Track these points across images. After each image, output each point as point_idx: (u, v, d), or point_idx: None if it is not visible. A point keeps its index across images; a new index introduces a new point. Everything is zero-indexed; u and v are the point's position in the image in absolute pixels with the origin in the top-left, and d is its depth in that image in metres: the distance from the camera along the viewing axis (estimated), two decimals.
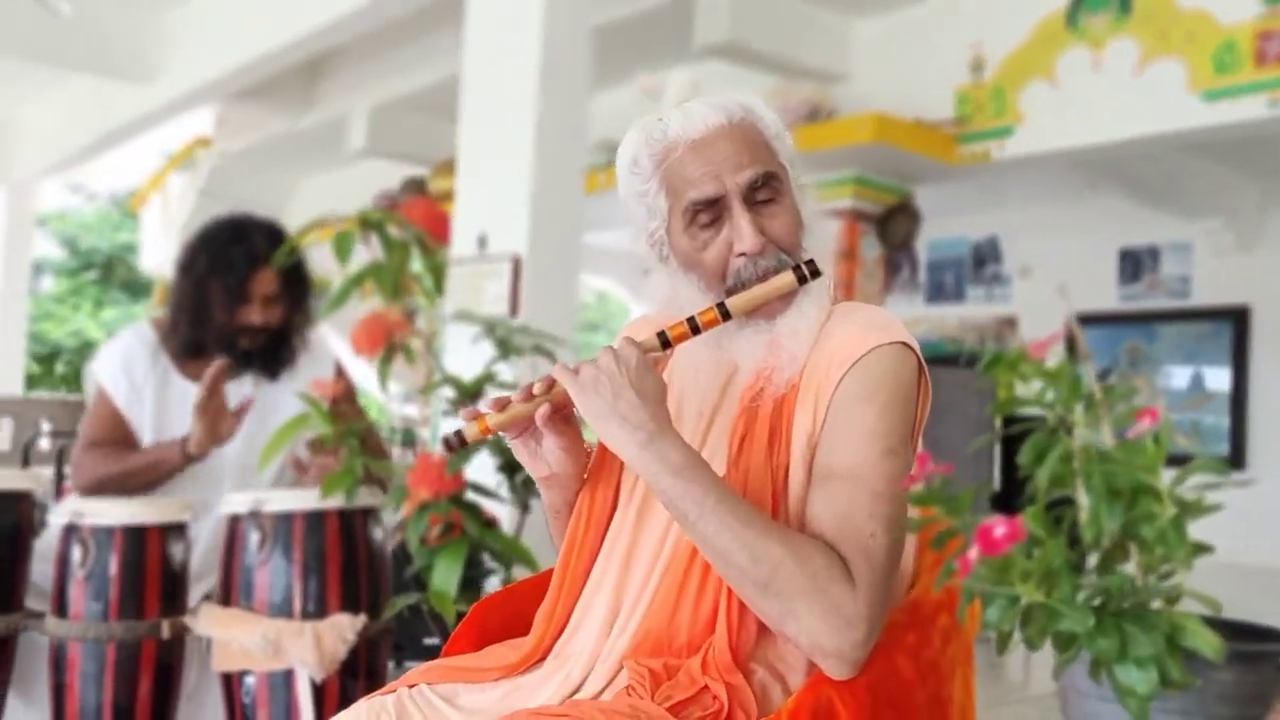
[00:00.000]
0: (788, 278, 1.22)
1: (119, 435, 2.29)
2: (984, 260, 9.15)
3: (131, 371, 2.30)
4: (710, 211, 1.24)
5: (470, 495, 2.09)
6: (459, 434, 1.26)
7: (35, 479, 2.13)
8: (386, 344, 1.93)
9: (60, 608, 2.03)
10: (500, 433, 1.29)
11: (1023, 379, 0.92)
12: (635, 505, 1.29)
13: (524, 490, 2.19)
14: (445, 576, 1.98)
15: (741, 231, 1.23)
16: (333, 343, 2.49)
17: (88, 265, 15.50)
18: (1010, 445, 4.89)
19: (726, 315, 1.22)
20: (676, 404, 1.34)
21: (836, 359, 1.22)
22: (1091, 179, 7.03)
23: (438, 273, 1.94)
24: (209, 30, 6.77)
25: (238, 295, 2.25)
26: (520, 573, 2.14)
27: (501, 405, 1.27)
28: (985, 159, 5.89)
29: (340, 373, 2.40)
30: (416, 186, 7.36)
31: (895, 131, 5.68)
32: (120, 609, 2.01)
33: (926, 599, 1.26)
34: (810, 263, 1.23)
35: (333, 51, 7.09)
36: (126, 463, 2.22)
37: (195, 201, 9.19)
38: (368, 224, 1.88)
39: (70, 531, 2.03)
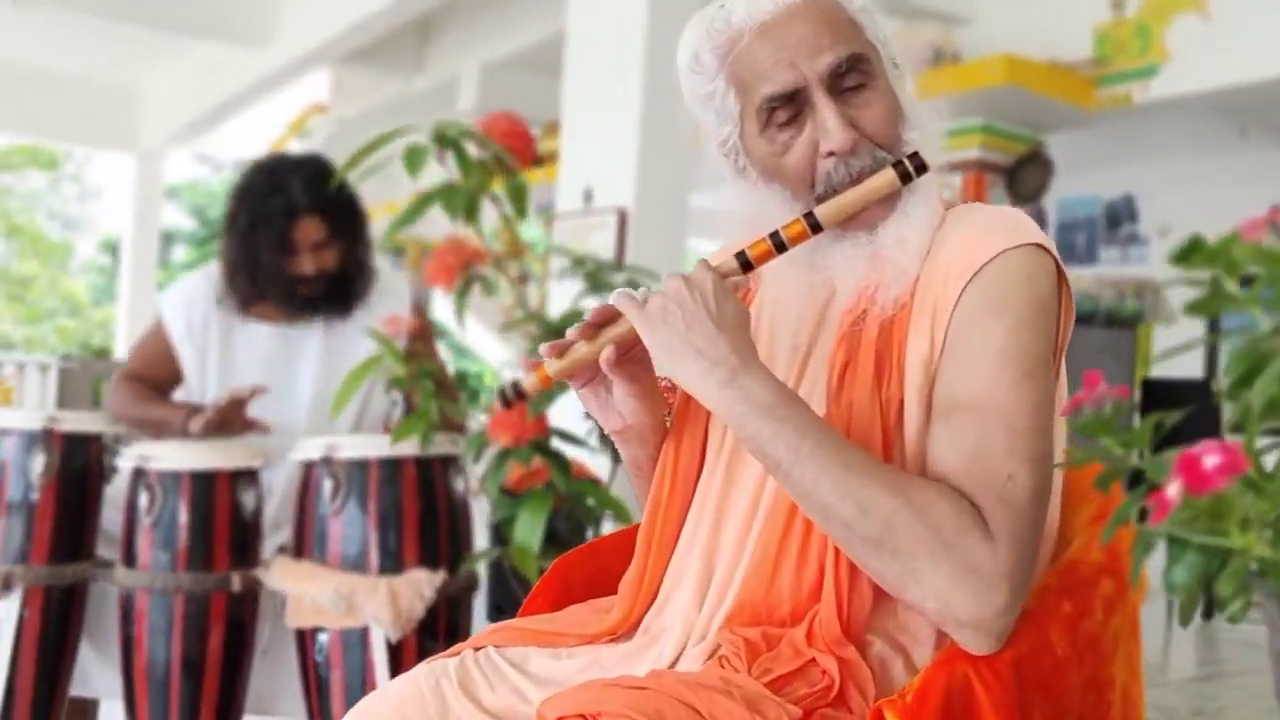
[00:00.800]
0: (887, 176, 1.03)
1: (161, 372, 2.22)
2: (1118, 220, 8.60)
3: (193, 311, 2.20)
4: (789, 107, 1.05)
5: (556, 443, 1.92)
6: (516, 385, 1.10)
7: (106, 420, 2.03)
8: (463, 275, 1.76)
9: (129, 557, 1.93)
10: (565, 381, 1.12)
11: (1228, 273, 0.67)
12: (725, 457, 1.12)
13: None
14: (528, 530, 1.81)
15: (827, 127, 1.03)
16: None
17: (216, 234, 15.90)
18: (1151, 410, 4.51)
19: (816, 227, 1.03)
20: (765, 337, 1.15)
21: (955, 268, 1.02)
22: (1243, 125, 6.50)
23: (519, 195, 1.76)
24: None
25: (284, 247, 2.11)
26: (612, 527, 1.96)
27: (560, 350, 1.09)
28: (1126, 102, 5.45)
29: (418, 310, 2.25)
30: None
31: (1028, 73, 5.29)
32: (189, 559, 1.90)
33: (1085, 559, 1.03)
34: (914, 156, 1.02)
35: (443, 10, 7.02)
36: (143, 409, 2.15)
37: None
38: (443, 140, 1.70)
39: (138, 476, 1.92)
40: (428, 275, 1.81)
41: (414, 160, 1.64)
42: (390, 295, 2.27)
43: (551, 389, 1.17)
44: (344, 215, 2.15)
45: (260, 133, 11.73)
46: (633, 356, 1.10)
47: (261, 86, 7.85)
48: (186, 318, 2.19)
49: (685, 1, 3.89)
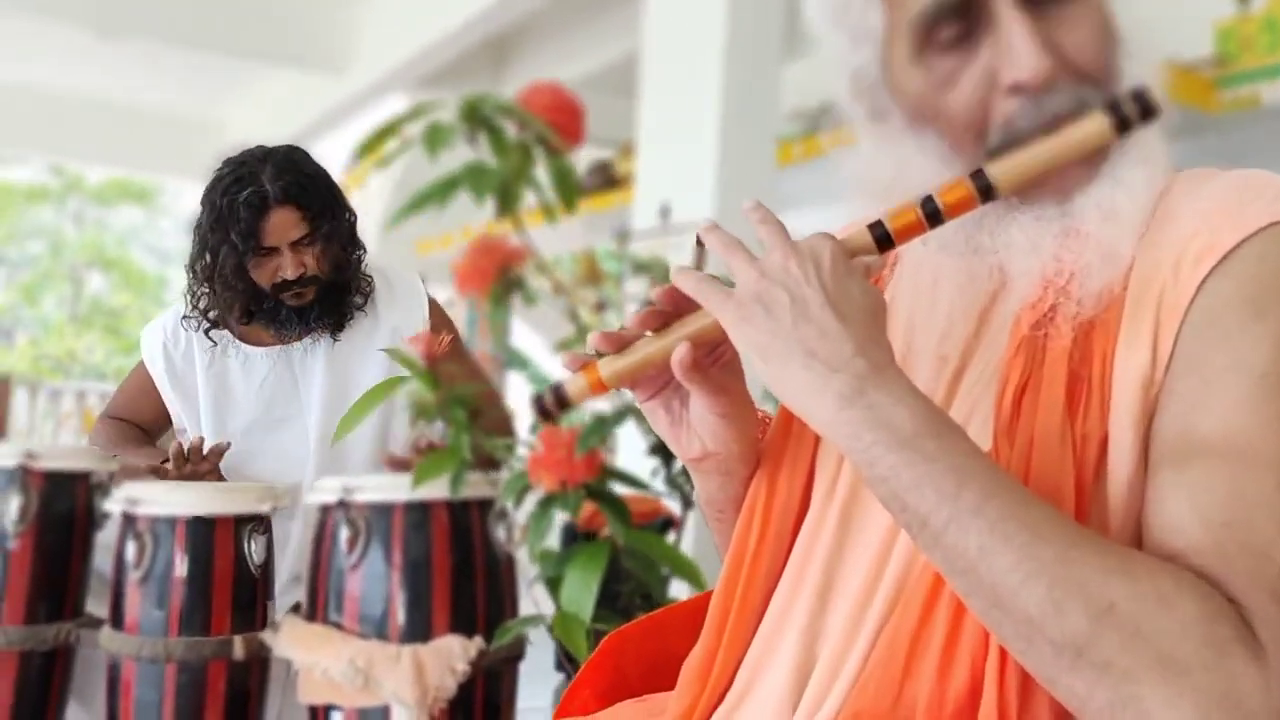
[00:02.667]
0: (1096, 125, 0.71)
1: (145, 415, 1.93)
2: None
3: (174, 344, 1.90)
4: (957, 20, 0.74)
5: (615, 486, 1.59)
6: (558, 390, 0.80)
7: (95, 456, 1.76)
8: (499, 278, 1.45)
9: (116, 617, 1.64)
10: (624, 389, 0.83)
11: None
12: (839, 501, 0.81)
13: (686, 479, 1.67)
14: (577, 593, 1.47)
15: (1014, 49, 0.72)
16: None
17: None
18: None
19: (988, 192, 0.72)
20: (900, 344, 0.83)
21: (1192, 250, 0.71)
22: None
23: (566, 180, 1.44)
24: (396, 14, 6.69)
25: (255, 249, 1.76)
26: (682, 591, 1.63)
27: (618, 343, 0.79)
28: (1253, 105, 4.99)
29: (438, 319, 1.94)
30: (602, 171, 7.12)
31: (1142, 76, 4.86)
32: (183, 621, 1.61)
33: None
34: (1139, 95, 0.69)
35: (517, 33, 6.91)
36: (120, 453, 1.85)
37: (391, 195, 9.17)
38: (473, 117, 1.39)
39: (127, 523, 1.64)
40: (457, 280, 1.50)
41: (435, 140, 1.33)
42: (403, 300, 1.96)
43: (599, 397, 0.85)
44: (325, 206, 1.80)
45: (339, 161, 11.75)
46: (719, 358, 0.82)
47: (340, 114, 7.78)
48: (166, 353, 1.89)
49: (763, 14, 3.73)
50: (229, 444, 1.79)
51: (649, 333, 0.79)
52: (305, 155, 1.86)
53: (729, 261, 0.74)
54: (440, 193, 1.34)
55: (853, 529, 0.80)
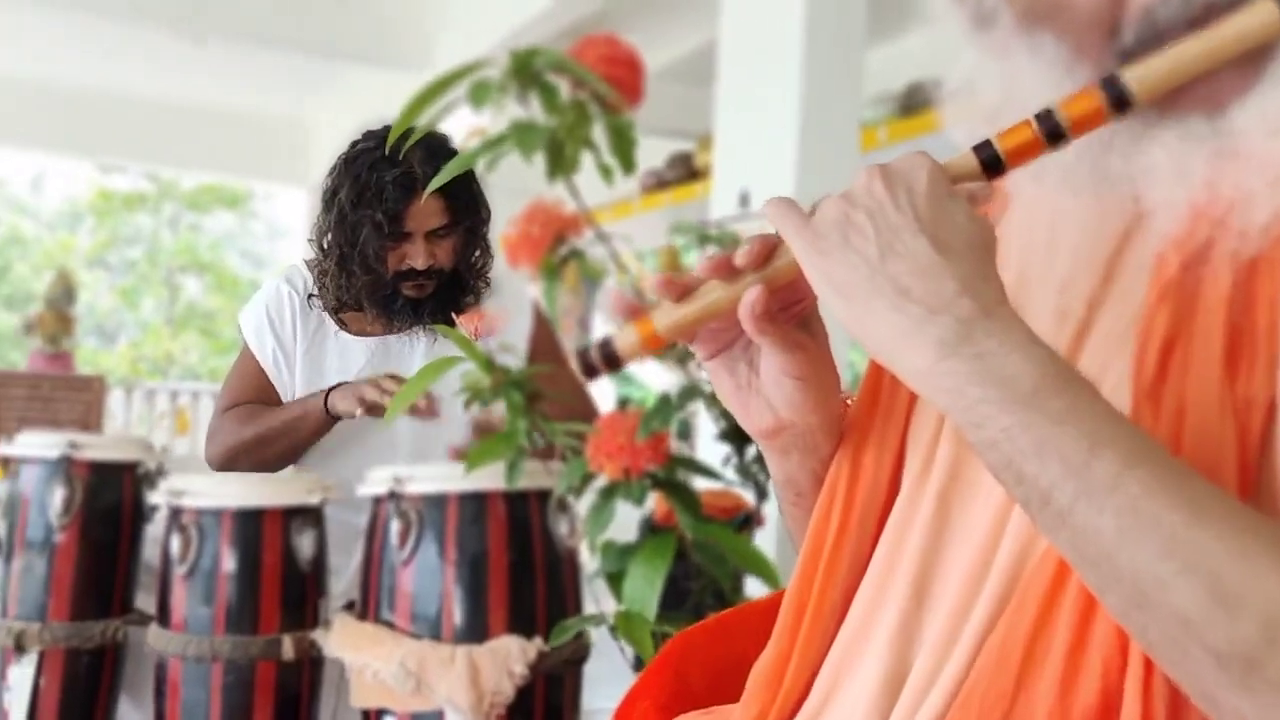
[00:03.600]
0: (1262, 13, 0.57)
1: (262, 394, 1.81)
2: None
3: (279, 324, 1.81)
4: None
5: (682, 474, 1.46)
6: (606, 346, 0.67)
7: (143, 447, 1.69)
8: (552, 248, 1.33)
9: (163, 614, 1.57)
10: (683, 344, 0.73)
11: None
12: (935, 484, 0.68)
13: (761, 468, 1.53)
14: (641, 590, 1.35)
15: None
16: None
17: None
18: None
19: (1121, 102, 0.58)
20: (1011, 290, 0.68)
21: None
22: None
23: (624, 140, 1.31)
24: (475, 8, 6.67)
25: (394, 232, 1.67)
26: (756, 589, 1.50)
27: (680, 291, 0.66)
28: None
29: (540, 321, 1.83)
30: (683, 162, 7.02)
31: None
32: (230, 619, 1.53)
33: None
34: None
35: (595, 25, 6.82)
36: (261, 423, 1.71)
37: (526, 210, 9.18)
38: (523, 73, 1.27)
39: (173, 517, 1.56)
40: (506, 251, 1.38)
41: (480, 95, 1.22)
42: (505, 302, 1.86)
43: (656, 354, 0.72)
44: (469, 202, 1.72)
45: None
46: (795, 308, 0.69)
47: (437, 121, 7.78)
48: (274, 329, 1.81)
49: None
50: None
51: (714, 280, 0.66)
52: (450, 142, 1.76)
53: (818, 203, 0.61)
54: (485, 151, 1.23)
55: (952, 515, 0.66)
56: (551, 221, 1.35)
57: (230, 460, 1.74)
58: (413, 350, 1.80)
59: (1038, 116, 0.59)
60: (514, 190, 1.82)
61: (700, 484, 1.77)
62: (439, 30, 7.21)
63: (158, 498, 1.58)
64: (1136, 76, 0.58)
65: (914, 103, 4.14)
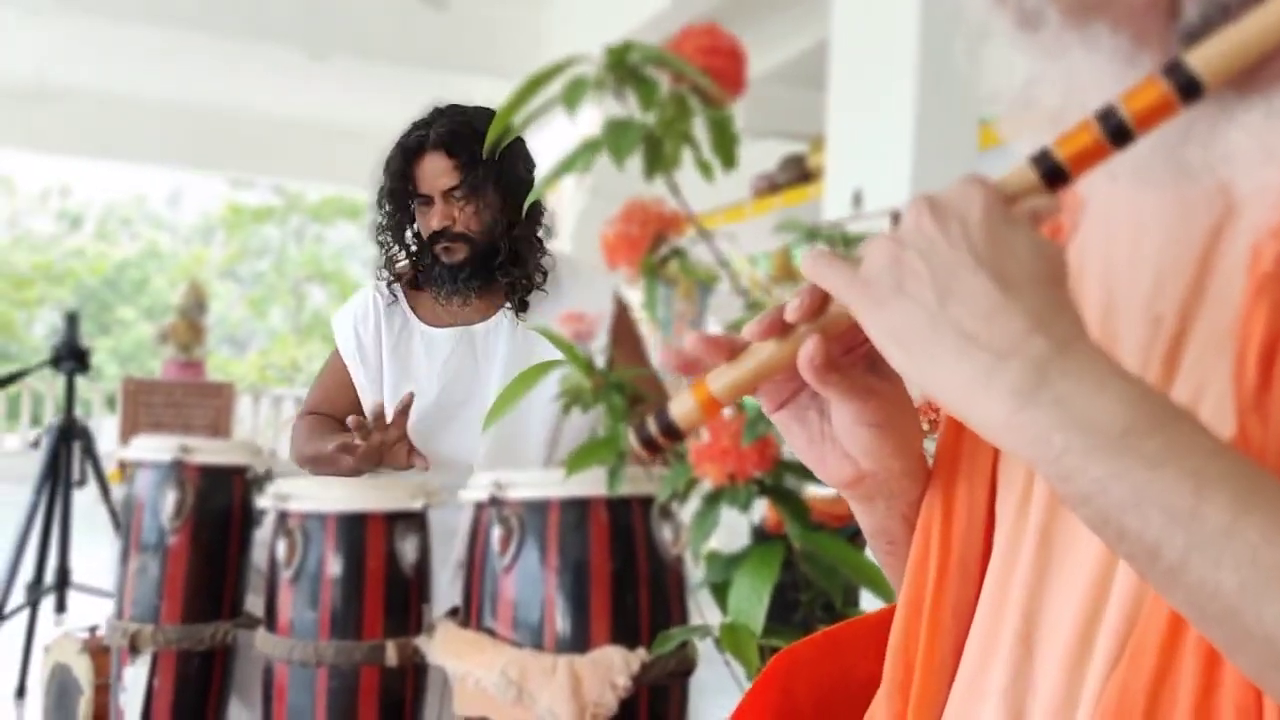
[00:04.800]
0: None
1: (338, 404, 1.83)
2: None
3: (364, 324, 1.83)
4: None
5: (791, 480, 1.40)
6: (663, 416, 0.62)
7: (252, 451, 1.70)
8: (652, 249, 1.28)
9: (270, 618, 1.58)
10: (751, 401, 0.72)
11: None
12: (1035, 520, 0.62)
13: None
14: (747, 600, 1.30)
15: None
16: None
17: None
18: None
19: (1191, 89, 0.52)
20: (1095, 306, 0.63)
21: None
22: None
23: (725, 133, 1.26)
24: (583, 16, 6.69)
25: (409, 192, 1.73)
26: (871, 602, 1.42)
27: (731, 350, 0.61)
28: None
29: (621, 307, 1.80)
30: (795, 165, 6.91)
31: None
32: (334, 624, 1.52)
33: None
34: None
35: None
36: (314, 444, 1.72)
37: (586, 201, 9.21)
38: (619, 68, 1.23)
39: (279, 520, 1.57)
40: (605, 251, 1.34)
41: (574, 95, 1.19)
42: (587, 284, 1.84)
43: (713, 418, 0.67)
44: (489, 165, 1.70)
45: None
46: (859, 350, 0.63)
47: (528, 121, 7.84)
48: (357, 333, 1.83)
49: None
50: (411, 396, 1.69)
51: (760, 334, 0.61)
52: (482, 111, 1.79)
53: (865, 250, 0.56)
54: (581, 157, 1.19)
55: (1056, 554, 0.59)
56: (651, 221, 1.31)
57: (300, 465, 1.77)
58: (497, 336, 1.79)
59: (1099, 115, 0.53)
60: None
61: (813, 490, 1.70)
62: (547, 39, 7.27)
63: (265, 502, 1.59)
64: (1203, 58, 0.51)
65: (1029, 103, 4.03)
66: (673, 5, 5.79)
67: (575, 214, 9.29)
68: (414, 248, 1.79)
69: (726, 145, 1.28)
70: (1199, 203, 0.57)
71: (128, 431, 6.22)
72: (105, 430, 8.81)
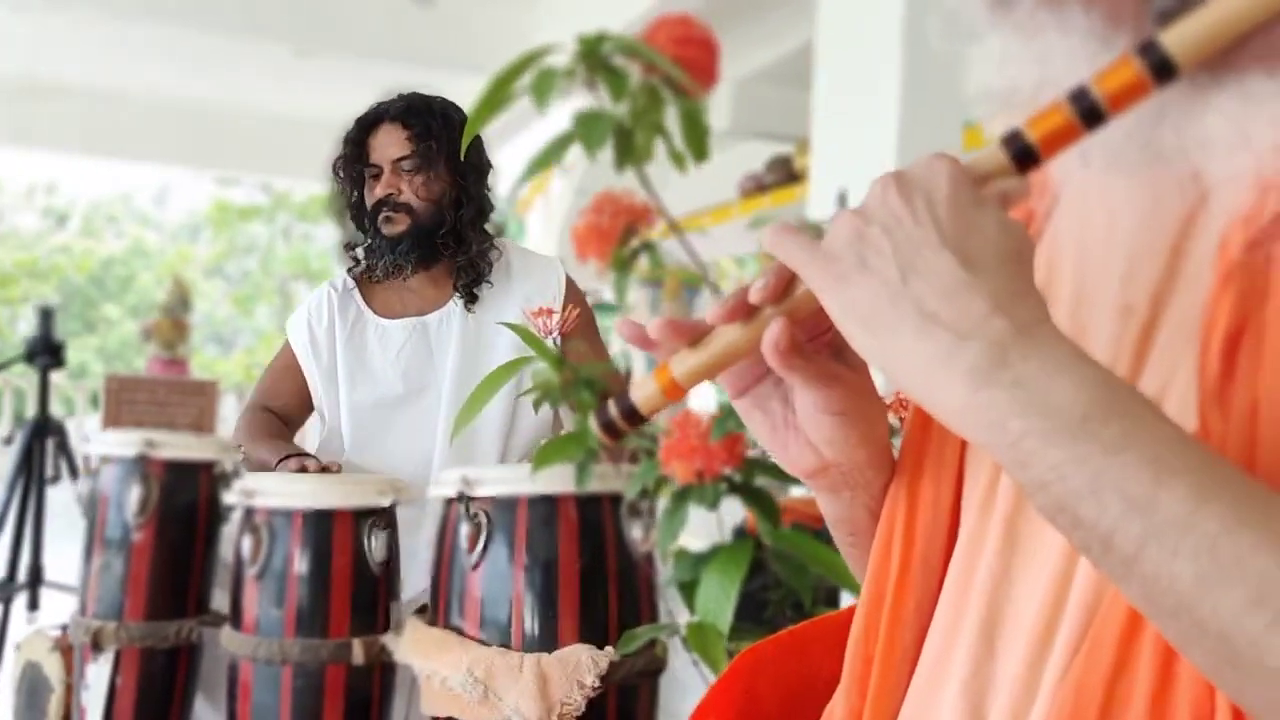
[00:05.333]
0: None
1: (290, 401, 1.82)
2: None
3: (317, 317, 1.82)
4: None
5: (761, 479, 1.39)
6: (624, 401, 0.61)
7: (220, 446, 1.68)
8: (623, 239, 1.27)
9: (235, 615, 1.56)
10: (712, 386, 0.68)
11: None
12: (1000, 514, 0.61)
13: None
14: (715, 600, 1.28)
15: None
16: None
17: None
18: None
19: (1165, 70, 0.51)
20: (1065, 294, 0.63)
21: None
22: None
23: (696, 125, 1.25)
24: (569, 16, 6.68)
25: (359, 161, 1.76)
26: (845, 599, 1.41)
27: (694, 336, 0.60)
28: None
29: (573, 296, 1.79)
30: (782, 165, 6.92)
31: None
32: (300, 622, 1.50)
33: None
34: None
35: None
36: (255, 446, 1.72)
37: (572, 201, 9.19)
38: (591, 59, 1.22)
39: (246, 517, 1.55)
40: (575, 243, 1.33)
41: (543, 87, 1.17)
42: (537, 273, 1.83)
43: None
44: (435, 132, 1.74)
45: (515, 170, 11.95)
46: (826, 336, 0.62)
47: (517, 122, 7.81)
48: (310, 326, 1.83)
49: None
50: (339, 468, 1.69)
51: (735, 322, 0.60)
52: (444, 100, 1.83)
53: (786, 248, 0.55)
54: (554, 151, 1.18)
55: (1021, 546, 0.58)
56: (621, 212, 1.29)
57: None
58: (449, 326, 1.79)
59: (1070, 96, 0.51)
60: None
61: (793, 491, 1.68)
62: (532, 37, 7.27)
63: (232, 497, 1.57)
64: (1177, 38, 0.49)
65: (1022, 99, 4.04)
66: (658, 4, 5.79)
67: (562, 213, 9.28)
68: (350, 210, 1.82)
69: (699, 137, 1.26)
70: (1172, 189, 0.56)
71: (110, 429, 6.19)
72: (88, 427, 8.75)
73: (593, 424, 0.65)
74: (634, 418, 0.61)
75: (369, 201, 1.78)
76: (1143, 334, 0.56)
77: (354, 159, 1.77)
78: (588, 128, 1.23)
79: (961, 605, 0.61)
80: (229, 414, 8.98)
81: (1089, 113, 0.51)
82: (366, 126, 1.78)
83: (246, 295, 17.78)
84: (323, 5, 6.74)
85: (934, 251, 0.49)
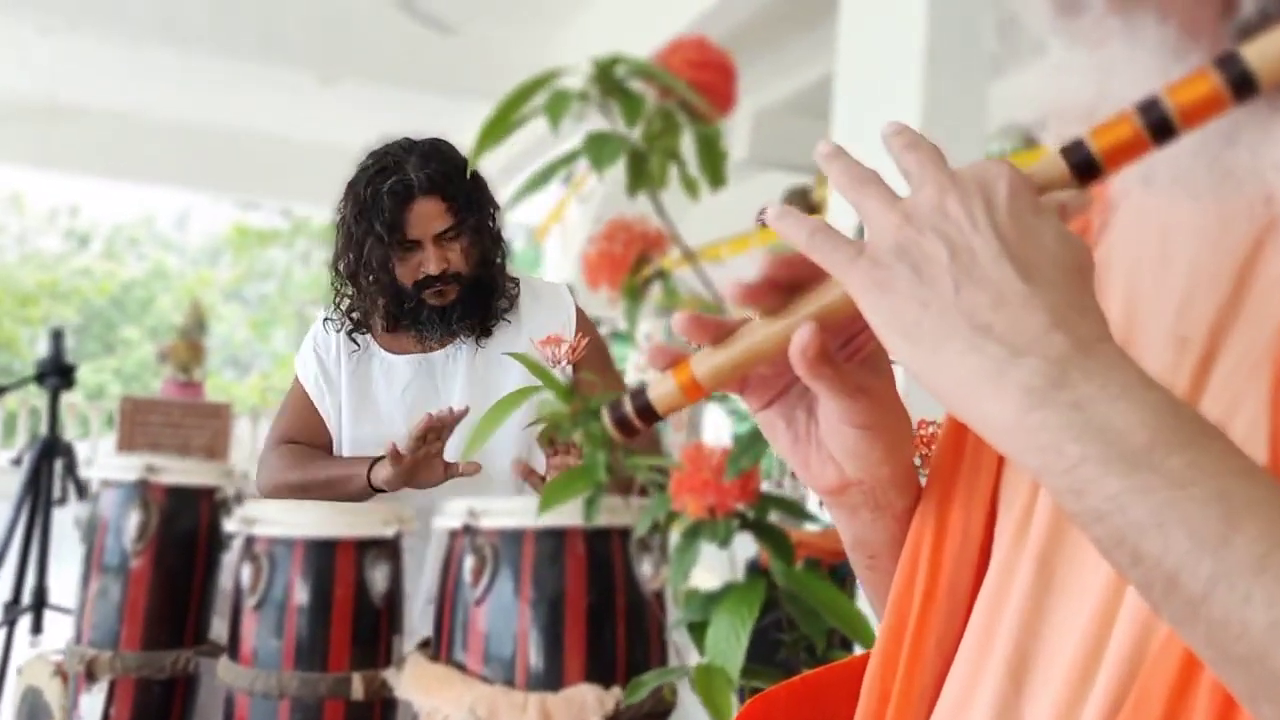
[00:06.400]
0: None
1: (313, 433, 1.78)
2: None
3: (324, 352, 1.79)
4: None
5: (778, 515, 1.34)
6: (640, 397, 0.59)
7: (222, 472, 1.65)
8: (636, 267, 1.24)
9: (233, 646, 1.52)
10: (730, 394, 0.64)
11: None
12: (1034, 545, 0.57)
13: None
14: (724, 642, 1.23)
15: None
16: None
17: None
18: None
19: (1245, 85, 0.47)
20: (1118, 318, 0.58)
21: None
22: None
23: (713, 151, 1.21)
24: (590, 47, 6.71)
25: (398, 241, 1.66)
26: (856, 645, 1.36)
27: (719, 333, 0.57)
28: None
29: (584, 326, 1.76)
30: (800, 197, 6.92)
31: None
32: (299, 654, 1.46)
33: None
34: None
35: None
36: (306, 471, 1.68)
37: (589, 228, 9.20)
38: (606, 82, 1.19)
39: (246, 545, 1.52)
40: (586, 271, 1.30)
41: (556, 108, 1.14)
42: (548, 306, 1.80)
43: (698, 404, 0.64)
44: (471, 199, 1.69)
45: (540, 199, 11.96)
46: (858, 348, 0.59)
47: (538, 148, 7.82)
48: (319, 358, 1.79)
49: (968, 28, 3.49)
50: (451, 413, 1.61)
51: (757, 317, 0.57)
52: (451, 147, 1.76)
53: (858, 204, 0.51)
54: (559, 166, 1.15)
55: (1055, 582, 0.54)
56: (634, 240, 1.26)
57: (274, 495, 1.73)
58: (456, 363, 1.75)
59: (1140, 107, 0.48)
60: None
61: (809, 526, 1.63)
62: (553, 64, 7.30)
63: (232, 525, 1.53)
64: (1261, 52, 0.46)
65: (1045, 133, 4.01)
66: (680, 32, 5.81)
67: (579, 241, 9.27)
68: (389, 292, 1.71)
69: (715, 163, 1.22)
70: (1240, 212, 0.52)
71: (124, 451, 6.17)
72: (102, 449, 8.77)
73: (605, 419, 0.62)
74: (650, 415, 0.58)
75: (407, 276, 1.70)
76: (1200, 366, 0.52)
77: (388, 238, 1.67)
78: (597, 148, 1.19)
79: (988, 643, 0.57)
80: (243, 436, 8.98)
81: (1158, 125, 0.48)
82: (400, 201, 1.67)
83: (264, 319, 17.84)
84: (344, 32, 6.79)
85: (993, 260, 0.45)
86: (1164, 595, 0.41)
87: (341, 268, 1.74)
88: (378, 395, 1.74)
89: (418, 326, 1.72)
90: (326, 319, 1.79)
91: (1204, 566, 0.39)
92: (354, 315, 1.75)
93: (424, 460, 1.60)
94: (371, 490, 1.64)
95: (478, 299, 1.71)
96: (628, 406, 0.59)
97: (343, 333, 1.78)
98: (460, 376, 1.74)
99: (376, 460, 1.67)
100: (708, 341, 0.57)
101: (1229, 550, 0.39)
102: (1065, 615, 0.54)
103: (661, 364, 0.60)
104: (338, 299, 1.77)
